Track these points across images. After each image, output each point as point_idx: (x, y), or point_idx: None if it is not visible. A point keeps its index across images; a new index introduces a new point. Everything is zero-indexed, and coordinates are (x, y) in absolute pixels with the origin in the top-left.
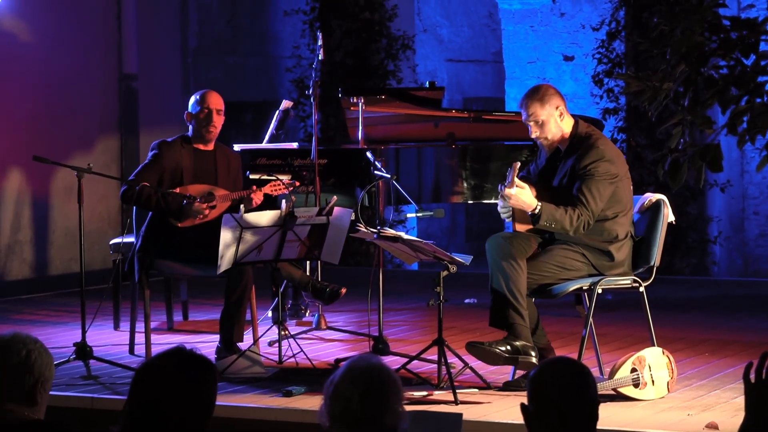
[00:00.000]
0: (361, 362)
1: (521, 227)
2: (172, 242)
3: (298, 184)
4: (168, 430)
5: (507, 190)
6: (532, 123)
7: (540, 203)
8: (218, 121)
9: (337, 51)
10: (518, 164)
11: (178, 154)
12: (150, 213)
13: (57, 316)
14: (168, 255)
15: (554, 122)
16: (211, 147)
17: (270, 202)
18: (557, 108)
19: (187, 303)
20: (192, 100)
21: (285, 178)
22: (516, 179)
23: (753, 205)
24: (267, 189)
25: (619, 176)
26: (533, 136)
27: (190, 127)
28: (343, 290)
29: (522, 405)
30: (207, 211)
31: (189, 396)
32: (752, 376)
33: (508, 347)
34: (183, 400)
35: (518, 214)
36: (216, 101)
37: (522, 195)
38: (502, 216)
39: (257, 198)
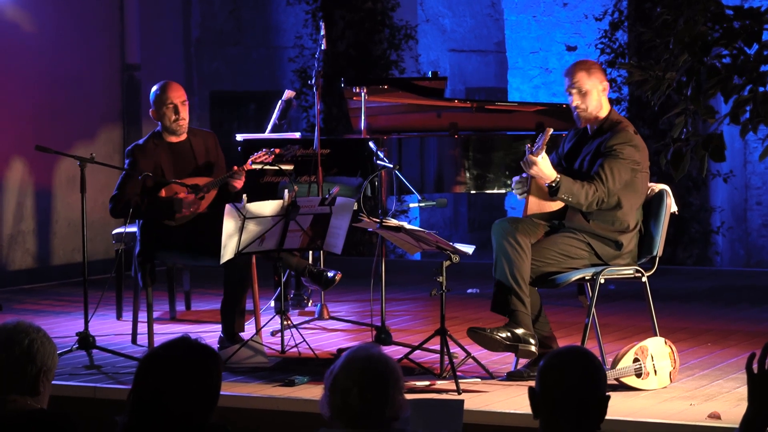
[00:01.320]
0: (361, 353)
1: (534, 202)
2: (170, 236)
3: (278, 151)
4: (173, 420)
5: (532, 156)
6: (574, 91)
7: (560, 175)
8: (185, 112)
9: (340, 41)
10: (551, 130)
11: (153, 153)
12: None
13: (60, 305)
14: (169, 248)
15: (597, 95)
16: (184, 136)
17: (272, 192)
18: (602, 83)
19: (190, 293)
20: (152, 96)
21: (287, 167)
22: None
23: (756, 195)
24: (248, 166)
25: (641, 165)
26: (573, 104)
27: (159, 124)
28: (339, 275)
29: (530, 389)
30: (198, 202)
31: (194, 385)
32: (755, 367)
33: (509, 334)
34: (188, 390)
35: (534, 189)
36: (178, 94)
37: (543, 165)
38: (516, 193)
39: (236, 184)
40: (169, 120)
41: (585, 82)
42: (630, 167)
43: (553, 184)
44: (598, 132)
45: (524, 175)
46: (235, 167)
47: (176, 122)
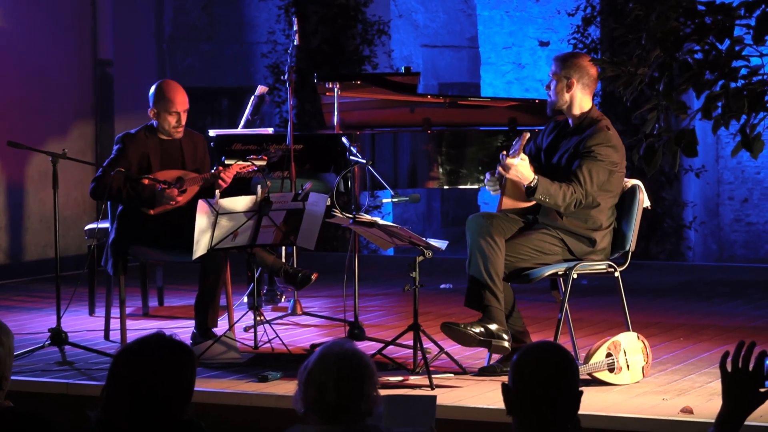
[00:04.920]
0: (335, 348)
1: (509, 202)
2: (146, 229)
3: (266, 159)
4: (148, 415)
5: (509, 160)
6: (551, 79)
7: (537, 176)
8: (185, 119)
9: (313, 37)
10: (528, 135)
11: (142, 144)
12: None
13: (32, 302)
14: (143, 241)
15: (561, 88)
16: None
17: (245, 188)
18: (571, 78)
19: (163, 288)
20: (155, 94)
21: (260, 163)
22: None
23: (728, 190)
24: (235, 168)
25: (618, 166)
26: (547, 90)
27: (155, 123)
28: (315, 275)
29: (503, 385)
30: (179, 198)
31: (169, 381)
32: (729, 362)
33: (482, 330)
34: (163, 385)
35: (509, 188)
36: (183, 101)
37: (521, 167)
38: (489, 190)
39: (226, 177)
40: (168, 125)
41: (554, 71)
42: (608, 168)
43: (531, 185)
44: (577, 128)
45: (497, 172)
46: (220, 168)
47: (175, 128)
